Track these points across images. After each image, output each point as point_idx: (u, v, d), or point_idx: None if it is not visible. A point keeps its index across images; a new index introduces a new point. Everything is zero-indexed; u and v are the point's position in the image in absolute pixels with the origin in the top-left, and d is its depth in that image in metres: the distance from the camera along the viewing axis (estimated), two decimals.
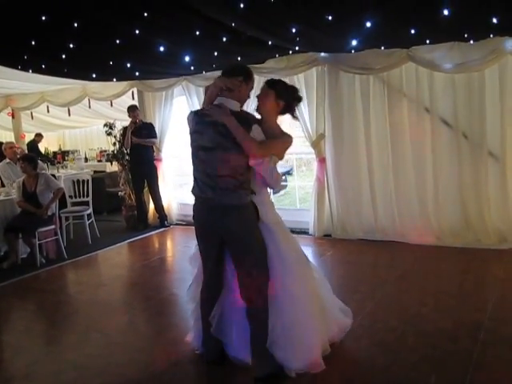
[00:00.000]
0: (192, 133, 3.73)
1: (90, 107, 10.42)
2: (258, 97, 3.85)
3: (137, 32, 5.10)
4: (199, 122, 3.68)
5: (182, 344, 4.49)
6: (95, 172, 11.44)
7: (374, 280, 5.94)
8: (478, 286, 5.55)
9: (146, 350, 4.52)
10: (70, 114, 10.60)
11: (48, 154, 13.06)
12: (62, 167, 11.60)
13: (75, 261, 7.55)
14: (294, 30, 5.10)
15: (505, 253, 6.47)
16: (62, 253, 7.60)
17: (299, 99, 3.95)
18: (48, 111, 10.88)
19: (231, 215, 3.64)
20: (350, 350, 4.21)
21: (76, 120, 11.98)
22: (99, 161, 12.51)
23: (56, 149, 13.46)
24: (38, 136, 12.61)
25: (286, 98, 3.84)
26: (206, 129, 3.61)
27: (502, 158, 6.61)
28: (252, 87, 3.82)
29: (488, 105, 6.54)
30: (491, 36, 5.88)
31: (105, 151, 12.25)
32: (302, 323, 3.82)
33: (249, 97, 3.85)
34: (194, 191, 3.80)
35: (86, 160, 12.70)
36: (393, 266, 6.34)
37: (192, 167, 3.78)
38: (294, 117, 4.04)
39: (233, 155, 3.56)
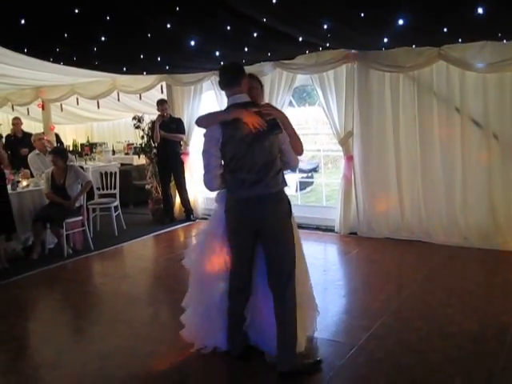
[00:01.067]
0: (226, 141, 3.75)
1: (118, 100, 10.49)
2: (251, 93, 3.95)
3: (168, 26, 5.11)
4: (233, 127, 3.72)
5: None
6: (122, 165, 11.51)
7: (400, 279, 5.91)
8: (505, 288, 5.47)
9: (170, 342, 4.54)
10: (99, 107, 10.72)
11: (76, 145, 13.19)
12: (90, 159, 11.71)
13: (101, 252, 7.64)
14: (325, 27, 5.07)
15: None
16: (89, 244, 7.70)
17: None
18: (77, 103, 10.99)
19: (274, 202, 3.76)
20: (373, 349, 4.18)
21: (104, 113, 12.06)
22: (126, 154, 12.56)
23: (84, 141, 13.58)
24: None
25: (262, 88, 4.20)
26: (242, 129, 3.70)
27: None
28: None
29: None
30: None
31: (132, 144, 12.32)
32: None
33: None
34: (233, 192, 3.85)
35: (114, 153, 12.78)
36: (419, 266, 6.29)
37: (229, 170, 3.83)
38: None
39: (269, 144, 3.73)
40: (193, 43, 5.70)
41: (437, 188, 7.08)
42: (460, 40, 5.96)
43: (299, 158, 4.01)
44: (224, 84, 3.87)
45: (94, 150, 12.68)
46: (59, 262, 7.11)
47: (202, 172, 3.87)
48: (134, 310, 5.43)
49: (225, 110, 3.92)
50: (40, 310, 5.82)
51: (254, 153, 3.71)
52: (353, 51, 7.18)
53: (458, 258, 6.50)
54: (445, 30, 5.14)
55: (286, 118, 3.80)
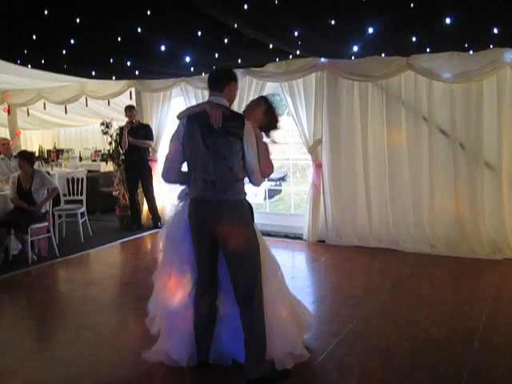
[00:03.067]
0: (188, 135, 3.77)
1: (86, 106, 10.36)
2: (249, 103, 4.12)
3: (139, 30, 5.09)
4: (196, 123, 3.75)
5: None
6: (89, 171, 11.34)
7: (368, 286, 5.94)
8: (471, 295, 5.56)
9: (137, 349, 4.45)
10: (66, 112, 10.55)
11: (42, 151, 12.96)
12: (57, 165, 11.51)
13: (67, 259, 7.50)
14: (296, 34, 5.10)
15: (498, 263, 6.49)
16: (54, 250, 7.55)
17: (276, 127, 4.14)
18: (45, 108, 10.82)
19: (227, 211, 3.69)
20: (343, 355, 4.18)
21: (72, 118, 11.88)
22: (94, 160, 12.42)
23: (51, 147, 13.35)
24: None
25: (269, 117, 4.07)
26: (204, 125, 3.69)
27: (498, 169, 6.64)
28: (238, 87, 3.97)
29: (485, 115, 6.58)
30: (491, 47, 5.91)
31: (99, 151, 12.19)
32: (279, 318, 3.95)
33: (235, 96, 4.03)
34: (192, 192, 3.83)
35: (81, 159, 12.61)
36: (386, 273, 6.35)
37: (190, 169, 3.83)
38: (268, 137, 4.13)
39: (228, 148, 3.67)
40: (163, 48, 5.67)
41: (404, 196, 7.17)
42: (428, 50, 6.04)
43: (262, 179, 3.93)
44: (208, 86, 3.89)
45: (60, 157, 12.49)
46: (24, 269, 6.95)
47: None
48: (101, 316, 5.33)
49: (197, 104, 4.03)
50: (3, 316, 5.64)
51: (212, 153, 3.67)
52: (322, 60, 7.23)
53: (426, 266, 6.57)
54: (413, 39, 5.21)
55: (259, 137, 3.80)
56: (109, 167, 10.67)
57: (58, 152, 12.79)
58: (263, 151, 3.80)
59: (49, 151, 12.99)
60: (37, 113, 11.68)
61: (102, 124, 9.27)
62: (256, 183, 3.85)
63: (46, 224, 7.47)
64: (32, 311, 5.75)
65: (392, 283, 5.94)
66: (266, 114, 4.06)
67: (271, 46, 5.92)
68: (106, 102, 9.95)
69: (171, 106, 9.09)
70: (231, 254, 3.75)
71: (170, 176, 3.91)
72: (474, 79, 6.46)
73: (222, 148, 3.66)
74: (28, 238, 7.15)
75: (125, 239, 8.60)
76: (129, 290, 6.29)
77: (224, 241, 3.74)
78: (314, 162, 7.70)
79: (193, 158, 3.76)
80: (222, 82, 3.83)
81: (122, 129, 8.89)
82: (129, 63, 6.40)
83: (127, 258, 7.86)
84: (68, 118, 11.69)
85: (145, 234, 8.95)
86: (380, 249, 7.28)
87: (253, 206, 3.93)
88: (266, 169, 3.82)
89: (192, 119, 3.78)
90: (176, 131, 3.85)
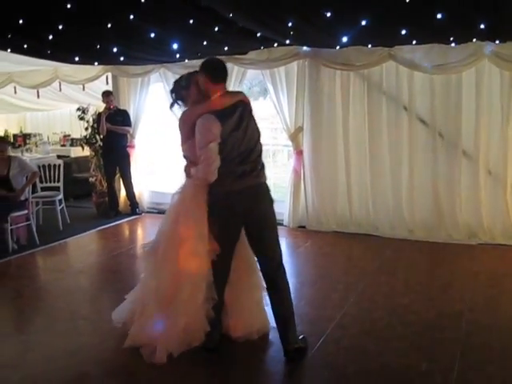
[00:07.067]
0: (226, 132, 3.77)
1: (60, 90, 10.13)
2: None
3: (130, 17, 5.03)
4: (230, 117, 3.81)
5: None
6: (59, 157, 11.09)
7: (354, 271, 6.11)
8: (452, 278, 5.78)
9: None
10: (38, 97, 10.30)
11: (8, 136, 12.60)
12: (27, 150, 11.25)
13: (48, 247, 7.41)
14: (290, 24, 5.14)
15: (474, 248, 6.76)
16: (34, 239, 7.43)
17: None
18: (15, 92, 10.53)
19: (265, 191, 3.99)
20: (340, 338, 4.33)
21: (43, 103, 11.56)
22: (63, 145, 12.19)
23: (17, 131, 12.99)
24: None
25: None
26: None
27: (475, 158, 6.87)
28: None
29: (464, 106, 6.78)
30: (474, 40, 6.07)
31: (69, 135, 11.98)
32: None
33: None
34: (226, 184, 3.84)
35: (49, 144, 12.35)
36: (369, 259, 6.53)
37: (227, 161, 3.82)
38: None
39: (257, 136, 3.96)
40: (153, 35, 5.62)
41: (384, 183, 7.35)
42: (414, 42, 6.17)
43: None
44: (221, 79, 3.94)
45: (27, 141, 12.20)
46: (4, 258, 6.81)
47: (201, 165, 3.78)
48: (94, 305, 5.36)
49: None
50: None
51: (248, 141, 3.85)
52: (304, 48, 7.28)
53: (406, 251, 6.80)
54: (403, 32, 5.32)
55: None
56: (80, 152, 10.52)
57: (26, 136, 12.48)
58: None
59: (15, 135, 12.64)
60: (6, 97, 11.34)
61: (79, 109, 9.13)
62: None
63: (26, 212, 7.34)
64: (22, 302, 5.56)
65: (376, 268, 6.13)
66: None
67: (259, 34, 5.92)
68: (81, 86, 9.75)
69: (149, 91, 9.01)
70: (267, 235, 4.00)
71: (214, 176, 3.81)
72: (453, 71, 6.66)
73: (253, 134, 3.90)
74: (8, 226, 7.00)
75: (104, 226, 8.53)
76: (116, 277, 6.24)
77: (259, 223, 3.96)
78: (295, 148, 7.79)
79: (233, 150, 3.79)
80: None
81: (99, 115, 8.78)
82: (115, 49, 6.31)
83: (110, 245, 7.72)
84: (39, 103, 11.38)
85: (123, 220, 8.90)
86: (359, 234, 7.46)
87: None
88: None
89: (224, 114, 3.78)
90: (208, 131, 3.74)
